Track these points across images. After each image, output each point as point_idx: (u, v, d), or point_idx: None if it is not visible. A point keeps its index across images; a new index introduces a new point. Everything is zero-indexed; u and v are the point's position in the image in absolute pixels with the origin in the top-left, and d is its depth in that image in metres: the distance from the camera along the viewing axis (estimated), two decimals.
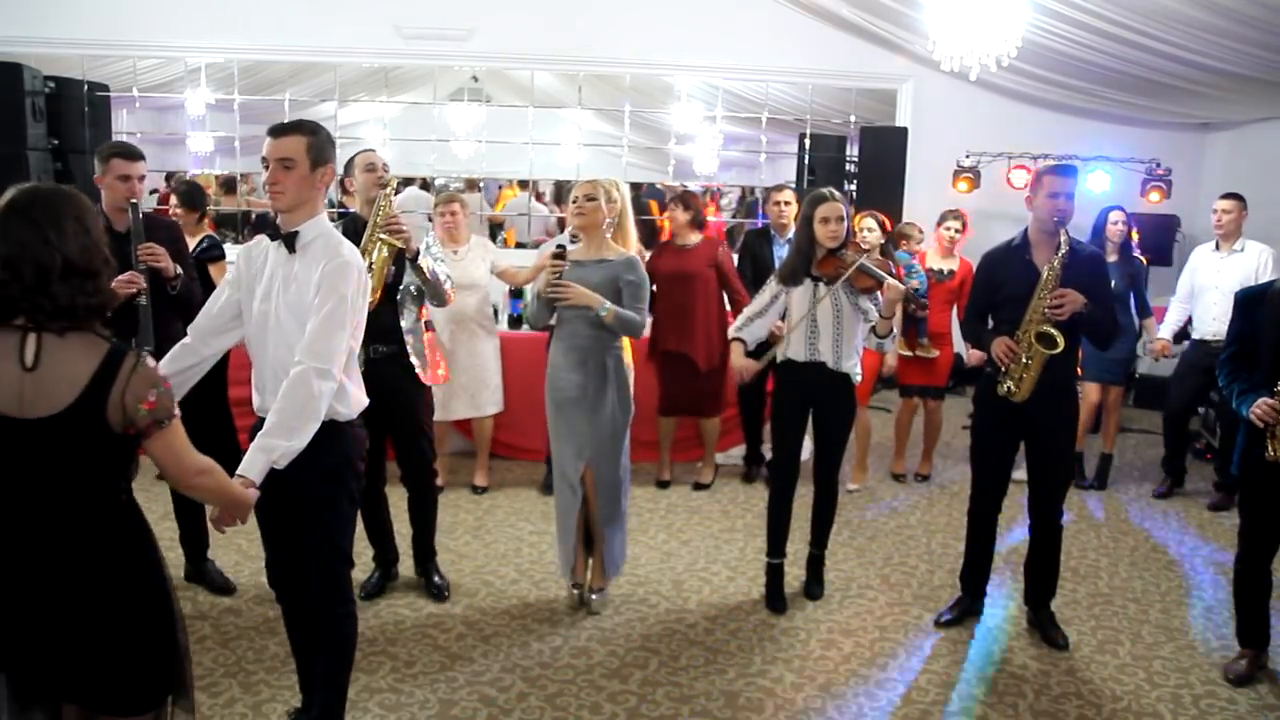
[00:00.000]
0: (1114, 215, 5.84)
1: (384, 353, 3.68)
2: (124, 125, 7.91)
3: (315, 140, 2.55)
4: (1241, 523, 3.42)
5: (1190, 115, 7.72)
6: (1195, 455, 6.25)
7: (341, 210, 5.23)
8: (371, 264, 3.59)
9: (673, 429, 5.47)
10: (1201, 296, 5.41)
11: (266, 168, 2.54)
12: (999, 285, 3.61)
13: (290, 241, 2.55)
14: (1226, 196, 5.38)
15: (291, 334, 2.51)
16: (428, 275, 3.67)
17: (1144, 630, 3.80)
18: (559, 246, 3.68)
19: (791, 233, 5.25)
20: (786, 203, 5.35)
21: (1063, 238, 3.42)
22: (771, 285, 3.86)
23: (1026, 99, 7.82)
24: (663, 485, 5.41)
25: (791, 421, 3.89)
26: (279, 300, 2.55)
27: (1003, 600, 3.96)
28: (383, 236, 3.56)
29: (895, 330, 3.76)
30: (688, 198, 5.36)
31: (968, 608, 3.83)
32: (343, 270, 2.51)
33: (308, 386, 2.41)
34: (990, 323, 3.69)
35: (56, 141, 6.09)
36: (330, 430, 2.52)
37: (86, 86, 6.71)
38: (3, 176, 4.08)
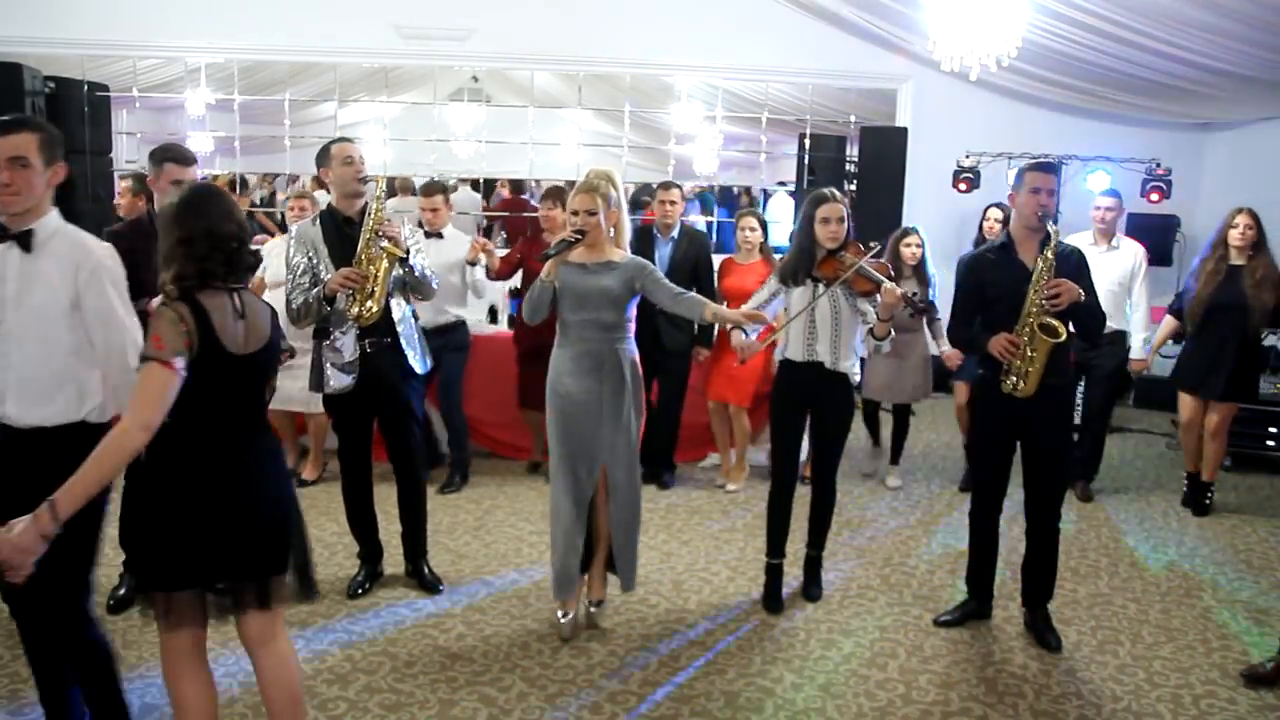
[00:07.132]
0: (992, 212, 5.76)
1: (378, 344, 3.71)
2: (124, 125, 7.92)
3: (46, 137, 2.45)
4: None
5: (1190, 115, 7.72)
6: None
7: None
8: (376, 275, 3.61)
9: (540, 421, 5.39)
10: None
11: None
12: (986, 286, 3.61)
13: (26, 240, 2.41)
14: (1107, 194, 5.27)
15: (37, 333, 2.41)
16: (417, 274, 3.73)
17: (1144, 630, 3.80)
18: (570, 235, 3.41)
19: (675, 232, 5.28)
20: (673, 202, 5.30)
21: (1051, 230, 3.43)
22: (771, 283, 3.86)
23: (1026, 99, 7.82)
24: (534, 467, 5.52)
25: (789, 422, 3.88)
26: (23, 302, 2.41)
27: (1003, 600, 3.95)
28: (385, 246, 3.58)
29: (893, 333, 3.75)
30: (563, 195, 5.21)
31: (973, 610, 3.82)
32: (98, 271, 2.42)
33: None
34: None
35: None
36: (84, 432, 2.41)
37: (86, 86, 6.73)
38: None
